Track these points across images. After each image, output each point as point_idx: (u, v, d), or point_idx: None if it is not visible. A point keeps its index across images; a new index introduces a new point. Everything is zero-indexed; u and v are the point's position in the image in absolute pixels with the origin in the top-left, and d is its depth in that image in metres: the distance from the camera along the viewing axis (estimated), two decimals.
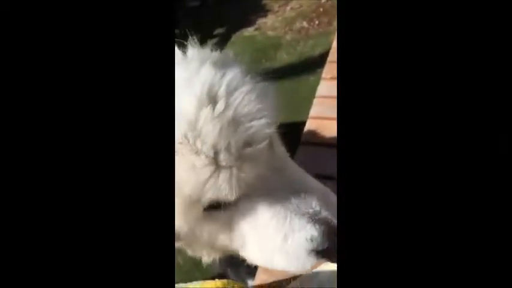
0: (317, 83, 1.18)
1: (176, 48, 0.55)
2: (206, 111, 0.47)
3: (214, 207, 0.50)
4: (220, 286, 0.50)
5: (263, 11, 2.57)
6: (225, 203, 0.50)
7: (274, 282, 0.56)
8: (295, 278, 0.55)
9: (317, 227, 0.50)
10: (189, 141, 0.46)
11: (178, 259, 0.66)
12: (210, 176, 0.47)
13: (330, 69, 1.20)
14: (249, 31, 2.38)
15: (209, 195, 0.48)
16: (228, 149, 0.47)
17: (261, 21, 2.41)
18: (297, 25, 2.25)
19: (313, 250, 0.50)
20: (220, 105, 0.48)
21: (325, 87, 1.15)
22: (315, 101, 1.12)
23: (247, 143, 0.49)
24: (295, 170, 0.56)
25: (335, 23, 2.05)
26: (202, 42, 0.56)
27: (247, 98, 0.51)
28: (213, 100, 0.48)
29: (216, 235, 0.55)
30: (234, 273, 1.10)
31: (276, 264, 0.53)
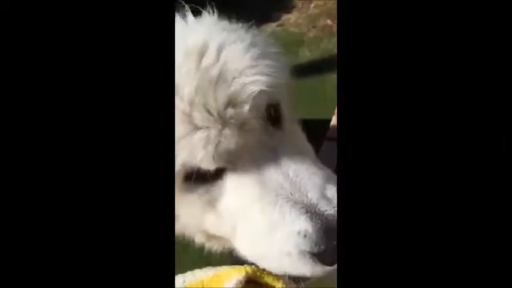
0: None
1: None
2: (190, 64, 0.44)
3: (196, 179, 0.46)
4: (250, 272, 0.45)
5: (287, 8, 2.55)
6: (206, 175, 0.46)
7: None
8: (295, 280, 0.46)
9: (313, 221, 0.42)
10: None
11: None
12: (185, 135, 0.43)
13: None
14: (271, 27, 2.37)
15: (183, 158, 0.43)
16: (205, 106, 0.43)
17: (284, 18, 2.40)
18: (321, 22, 2.23)
19: (306, 250, 0.42)
20: (206, 59, 0.44)
21: None
22: None
23: (229, 103, 0.44)
24: (304, 160, 0.48)
25: None
26: None
27: (238, 55, 0.46)
28: (201, 54, 0.44)
29: (202, 216, 0.50)
30: None
31: (262, 262, 0.46)
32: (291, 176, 0.46)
